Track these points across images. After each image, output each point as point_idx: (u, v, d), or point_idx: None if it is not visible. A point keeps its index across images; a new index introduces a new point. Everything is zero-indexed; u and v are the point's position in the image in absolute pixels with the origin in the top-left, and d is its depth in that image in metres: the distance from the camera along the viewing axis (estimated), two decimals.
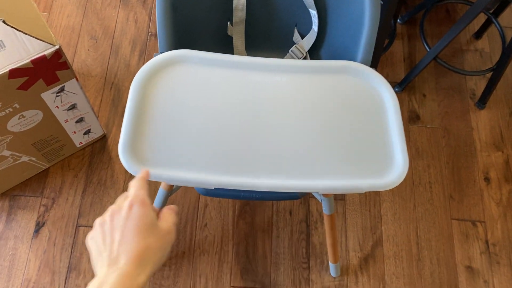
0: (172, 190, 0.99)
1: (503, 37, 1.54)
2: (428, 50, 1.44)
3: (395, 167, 0.72)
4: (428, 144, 1.51)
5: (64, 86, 1.08)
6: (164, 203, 1.03)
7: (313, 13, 0.86)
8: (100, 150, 1.38)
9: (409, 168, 1.44)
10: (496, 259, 1.36)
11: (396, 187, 1.13)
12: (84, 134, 1.31)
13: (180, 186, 1.26)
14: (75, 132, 1.28)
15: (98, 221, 0.53)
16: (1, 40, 0.95)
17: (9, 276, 1.21)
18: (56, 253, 1.25)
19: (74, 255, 1.25)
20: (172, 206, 0.58)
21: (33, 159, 1.26)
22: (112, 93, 1.45)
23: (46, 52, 0.95)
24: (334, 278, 1.30)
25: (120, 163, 1.37)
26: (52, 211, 1.29)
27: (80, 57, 1.49)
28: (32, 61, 0.94)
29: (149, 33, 1.55)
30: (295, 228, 1.35)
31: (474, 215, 1.41)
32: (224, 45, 0.94)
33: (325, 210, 1.06)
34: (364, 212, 1.39)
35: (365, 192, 1.44)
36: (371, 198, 1.41)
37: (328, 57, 0.91)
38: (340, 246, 1.34)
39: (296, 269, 1.30)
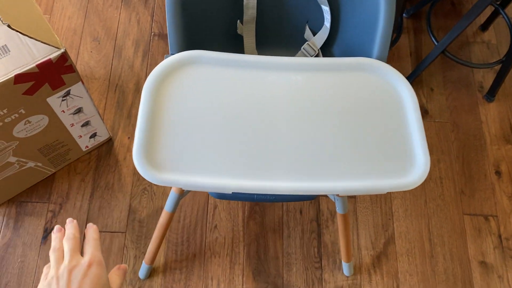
0: (183, 193, 0.97)
1: (511, 29, 1.52)
2: (436, 44, 1.42)
3: (416, 166, 0.70)
4: (437, 139, 1.49)
5: (70, 90, 1.05)
6: (175, 206, 1.01)
7: (326, 9, 0.84)
8: (107, 153, 1.36)
9: None
10: (510, 254, 1.34)
11: None
12: (90, 137, 1.29)
13: None
14: (81, 136, 1.26)
15: (52, 273, 0.53)
16: (5, 45, 0.93)
17: (18, 284, 1.19)
18: None
19: None
20: (122, 266, 0.60)
21: (39, 164, 1.24)
22: (117, 95, 1.43)
23: (51, 56, 0.93)
24: (347, 277, 1.29)
25: (127, 166, 1.35)
26: (60, 217, 1.27)
27: (83, 60, 1.46)
28: (38, 66, 0.92)
29: (152, 33, 1.53)
30: (306, 227, 1.34)
31: (486, 210, 1.40)
32: (234, 44, 0.92)
33: (339, 210, 1.04)
34: (375, 209, 1.37)
35: None
36: (382, 195, 1.40)
37: (341, 53, 0.89)
38: (352, 244, 1.33)
39: (309, 269, 1.29)
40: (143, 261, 1.20)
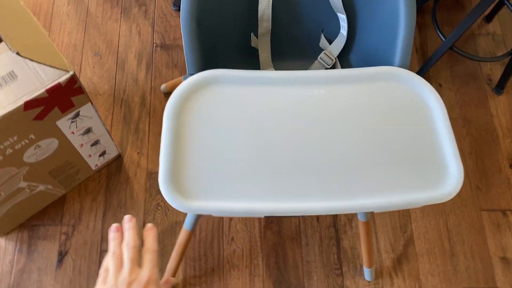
0: None
1: None
2: (444, 40, 1.40)
3: (450, 177, 0.68)
4: None
5: (79, 111, 1.03)
6: (195, 225, 0.99)
7: (342, 17, 0.82)
8: (117, 170, 1.33)
9: None
10: None
11: None
12: (100, 156, 1.27)
13: None
14: (90, 156, 1.23)
15: (111, 282, 0.54)
16: (12, 71, 0.90)
17: None
18: (83, 282, 1.21)
19: None
20: (170, 279, 0.63)
21: (50, 187, 1.21)
22: (123, 110, 1.40)
23: (60, 80, 0.90)
24: (369, 282, 1.27)
25: (138, 182, 1.32)
26: (74, 239, 1.25)
27: (86, 76, 1.43)
28: (47, 90, 0.90)
29: (154, 44, 1.50)
30: (323, 234, 1.32)
31: (503, 204, 1.38)
32: (249, 57, 0.90)
33: (361, 217, 1.03)
34: (392, 211, 1.36)
35: None
36: None
37: (359, 61, 0.87)
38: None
39: (330, 276, 1.27)
40: (161, 280, 1.17)
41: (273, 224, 1.31)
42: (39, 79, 0.90)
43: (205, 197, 0.65)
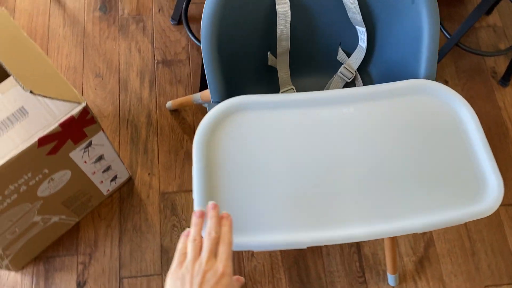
0: None
1: None
2: (448, 36, 1.39)
3: (489, 190, 0.67)
4: None
5: (91, 140, 1.00)
6: None
7: (362, 30, 0.80)
8: (129, 194, 1.31)
9: None
10: None
11: None
12: (111, 181, 1.24)
13: None
14: (102, 182, 1.20)
15: (188, 266, 0.55)
16: (22, 107, 0.87)
17: None
18: None
19: None
20: (241, 278, 0.61)
21: (63, 217, 1.18)
22: (130, 131, 1.37)
23: (73, 112, 0.88)
24: (393, 287, 1.26)
25: (152, 204, 1.30)
26: (91, 268, 1.22)
27: (89, 98, 1.40)
28: (61, 125, 0.87)
29: (155, 61, 1.47)
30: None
31: None
32: (266, 76, 0.87)
33: None
34: None
35: None
36: None
37: (379, 73, 0.85)
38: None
39: (353, 285, 1.26)
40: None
41: None
42: (51, 114, 0.87)
43: (244, 232, 0.63)
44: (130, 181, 1.32)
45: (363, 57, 0.84)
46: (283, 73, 0.82)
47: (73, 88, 0.89)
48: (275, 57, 0.84)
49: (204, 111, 1.41)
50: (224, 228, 0.57)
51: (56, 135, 0.88)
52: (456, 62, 1.57)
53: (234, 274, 1.22)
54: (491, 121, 1.48)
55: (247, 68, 0.83)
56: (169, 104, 1.38)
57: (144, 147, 1.36)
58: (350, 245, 1.30)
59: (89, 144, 1.01)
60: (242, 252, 1.27)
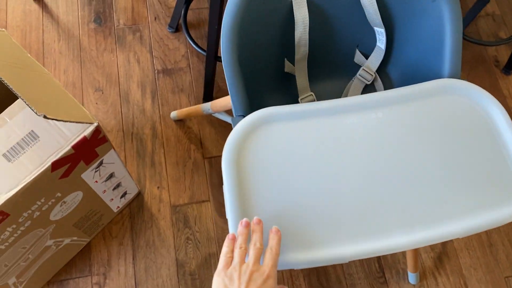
0: None
1: None
2: None
3: None
4: None
5: (103, 159, 0.97)
6: None
7: (380, 31, 0.78)
8: (139, 209, 1.27)
9: None
10: None
11: None
12: (121, 197, 1.21)
13: None
14: (112, 199, 1.17)
15: (236, 266, 0.58)
16: (32, 131, 0.84)
17: None
18: None
19: None
20: (284, 287, 0.62)
21: (75, 238, 1.15)
22: (135, 145, 1.34)
23: (85, 133, 0.84)
24: (414, 285, 1.25)
25: (164, 218, 1.27)
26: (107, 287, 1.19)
27: (90, 114, 1.36)
28: (73, 147, 0.84)
29: (156, 71, 1.43)
30: None
31: None
32: (283, 84, 0.85)
33: None
34: None
35: None
36: None
37: (399, 73, 0.83)
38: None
39: (374, 286, 1.24)
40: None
41: None
42: (63, 136, 0.84)
43: (284, 250, 0.61)
44: (139, 196, 1.29)
45: (382, 58, 0.82)
46: (302, 79, 0.80)
47: (84, 108, 0.86)
48: (292, 64, 0.81)
49: (210, 120, 1.38)
50: (272, 241, 0.59)
51: (69, 158, 0.85)
52: None
53: None
54: None
55: (264, 77, 0.81)
56: (173, 114, 1.35)
57: (151, 160, 1.33)
58: None
59: (101, 163, 0.98)
60: None
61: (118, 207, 1.24)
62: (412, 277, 1.23)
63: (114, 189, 1.13)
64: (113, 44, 1.45)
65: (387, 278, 1.25)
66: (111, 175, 1.06)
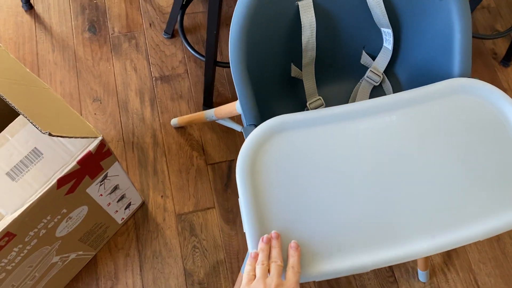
0: None
1: None
2: None
3: None
4: None
5: (107, 172, 0.95)
6: None
7: (388, 31, 0.77)
8: (143, 219, 1.26)
9: None
10: None
11: None
12: (125, 209, 1.19)
13: None
14: (117, 211, 1.15)
15: (260, 280, 0.58)
16: (35, 148, 0.82)
17: None
18: None
19: None
20: None
21: (80, 253, 1.13)
22: (136, 154, 1.32)
23: (90, 148, 0.83)
24: (425, 283, 1.24)
25: (170, 228, 1.25)
26: None
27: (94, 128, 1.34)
28: (79, 162, 0.82)
29: (153, 78, 1.41)
30: None
31: None
32: (290, 88, 0.84)
33: None
34: None
35: None
36: None
37: (407, 74, 0.82)
38: None
39: (384, 286, 1.23)
40: None
41: None
42: (67, 151, 0.82)
43: (304, 261, 0.59)
44: (143, 206, 1.27)
45: (389, 58, 0.81)
46: (309, 83, 0.79)
47: (88, 122, 0.84)
48: (298, 68, 0.80)
49: (211, 126, 1.37)
50: (293, 259, 0.59)
51: (74, 174, 0.83)
52: None
53: None
54: None
55: (271, 83, 0.79)
56: (174, 121, 1.33)
57: (154, 169, 1.31)
58: None
59: (105, 177, 0.96)
60: None
61: (123, 218, 1.22)
62: (422, 275, 1.22)
63: (118, 201, 1.11)
64: (109, 52, 1.43)
65: (397, 277, 1.24)
66: (116, 188, 1.05)
